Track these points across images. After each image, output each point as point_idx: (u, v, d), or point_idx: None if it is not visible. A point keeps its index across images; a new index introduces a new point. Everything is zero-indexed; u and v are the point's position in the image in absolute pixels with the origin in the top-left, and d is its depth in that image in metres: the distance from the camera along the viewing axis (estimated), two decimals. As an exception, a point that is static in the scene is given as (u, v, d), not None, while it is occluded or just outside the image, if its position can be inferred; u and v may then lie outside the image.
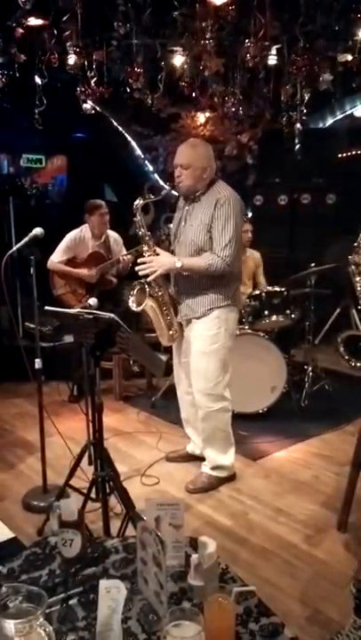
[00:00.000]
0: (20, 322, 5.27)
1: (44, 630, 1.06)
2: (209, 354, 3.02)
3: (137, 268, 3.02)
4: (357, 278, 1.93)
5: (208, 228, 2.92)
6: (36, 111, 4.17)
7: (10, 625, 1.05)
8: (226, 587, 1.34)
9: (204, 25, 3.34)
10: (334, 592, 2.27)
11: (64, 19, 3.35)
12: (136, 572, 1.45)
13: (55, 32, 3.44)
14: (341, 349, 4.14)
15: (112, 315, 1.98)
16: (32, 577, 1.46)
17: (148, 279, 2.96)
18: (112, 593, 1.14)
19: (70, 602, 1.37)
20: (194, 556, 1.41)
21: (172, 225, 3.32)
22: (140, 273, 2.97)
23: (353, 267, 1.91)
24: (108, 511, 2.29)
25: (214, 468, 3.16)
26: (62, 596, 1.38)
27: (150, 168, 6.47)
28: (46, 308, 2.23)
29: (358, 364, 4.12)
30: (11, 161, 5.89)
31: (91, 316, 2.01)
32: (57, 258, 4.44)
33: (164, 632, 1.07)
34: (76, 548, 1.51)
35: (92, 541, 1.65)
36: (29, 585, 1.39)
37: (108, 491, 2.37)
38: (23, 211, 5.83)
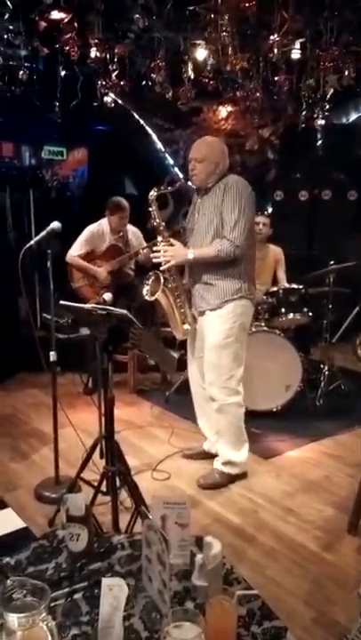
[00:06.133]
0: (37, 313, 5.33)
1: (47, 625, 1.08)
2: (223, 347, 3.03)
3: (151, 255, 3.08)
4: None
5: (219, 212, 2.96)
6: (57, 104, 4.18)
7: (13, 618, 1.07)
8: (229, 589, 1.35)
9: (226, 19, 3.31)
10: (341, 595, 2.26)
11: (85, 12, 3.34)
12: (141, 569, 1.47)
13: (77, 25, 3.45)
14: (359, 352, 4.09)
15: (125, 311, 1.99)
16: (38, 569, 1.48)
17: (162, 268, 3.02)
18: (114, 591, 1.15)
19: (75, 596, 1.38)
20: (198, 556, 1.42)
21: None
22: (154, 260, 3.03)
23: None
24: (117, 506, 2.31)
25: (226, 463, 3.16)
26: (67, 590, 1.40)
27: (171, 161, 6.46)
28: (61, 302, 2.25)
29: None
30: (32, 153, 5.91)
31: (104, 312, 2.01)
32: (75, 251, 4.47)
33: (165, 632, 1.08)
34: (83, 543, 1.52)
35: (99, 536, 1.67)
36: (36, 577, 1.41)
37: (118, 485, 2.39)
38: (44, 203, 5.87)
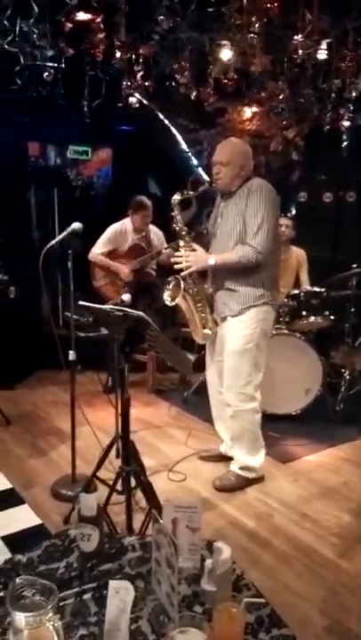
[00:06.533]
0: (60, 311, 5.38)
1: (53, 625, 1.09)
2: (243, 352, 3.01)
3: (172, 260, 3.05)
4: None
5: (243, 218, 2.92)
6: (84, 103, 4.21)
7: (21, 617, 1.08)
8: (237, 596, 1.34)
9: (251, 20, 3.28)
10: (356, 603, 2.24)
11: (110, 13, 3.36)
12: (151, 571, 1.47)
13: (102, 26, 3.47)
14: None
15: (141, 313, 2.00)
16: (50, 568, 1.49)
17: (182, 274, 2.99)
18: (121, 593, 1.16)
19: (84, 596, 1.39)
20: (208, 561, 1.41)
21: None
22: (176, 266, 3.00)
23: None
24: (131, 506, 2.32)
25: (242, 468, 3.15)
26: (77, 589, 1.41)
27: (195, 162, 6.45)
28: (80, 302, 2.26)
29: None
30: (58, 152, 5.97)
31: (121, 313, 2.03)
32: (98, 250, 4.51)
33: (169, 637, 1.08)
34: (94, 544, 1.53)
35: (111, 537, 1.68)
36: (47, 576, 1.43)
37: (133, 485, 2.40)
38: (68, 202, 5.92)
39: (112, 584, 1.19)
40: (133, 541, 1.64)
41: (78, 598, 1.38)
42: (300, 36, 3.33)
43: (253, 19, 3.28)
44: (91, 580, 1.46)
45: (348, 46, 3.63)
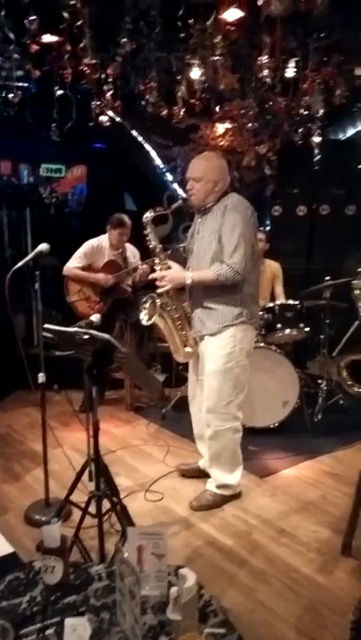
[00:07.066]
0: (34, 331, 5.32)
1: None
2: (223, 373, 2.96)
3: (150, 277, 3.02)
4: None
5: (218, 236, 2.88)
6: (53, 125, 4.22)
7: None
8: (200, 626, 1.32)
9: (215, 41, 3.33)
10: (333, 620, 2.22)
11: (75, 35, 3.39)
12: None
13: (69, 48, 3.48)
14: (344, 374, 4.02)
15: (107, 335, 1.98)
16: (12, 603, 1.46)
17: (158, 291, 2.97)
18: (78, 631, 1.14)
19: (47, 632, 1.36)
20: (173, 589, 1.39)
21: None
22: (158, 291, 2.97)
23: (357, 291, 1.85)
24: (102, 532, 2.28)
25: (220, 486, 3.12)
26: (39, 625, 1.38)
27: (170, 178, 6.49)
28: (45, 326, 2.24)
29: None
30: (31, 171, 5.97)
31: (86, 336, 2.01)
32: (73, 264, 4.49)
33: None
34: (58, 575, 1.51)
35: (77, 566, 1.65)
36: (8, 612, 1.40)
37: (109, 507, 2.37)
38: (42, 220, 5.91)
39: (68, 622, 1.16)
40: (100, 570, 1.62)
41: (41, 634, 1.35)
42: (265, 56, 3.36)
43: (217, 40, 3.32)
44: (54, 613, 1.43)
45: (311, 66, 3.69)
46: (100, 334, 1.99)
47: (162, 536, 1.51)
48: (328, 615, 2.26)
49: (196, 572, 2.41)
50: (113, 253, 4.60)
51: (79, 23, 3.18)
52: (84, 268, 4.51)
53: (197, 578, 1.44)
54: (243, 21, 3.28)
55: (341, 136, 5.83)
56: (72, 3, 3.11)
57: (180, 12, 3.13)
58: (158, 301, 2.99)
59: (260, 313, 4.24)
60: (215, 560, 2.63)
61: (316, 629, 2.18)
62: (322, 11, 2.93)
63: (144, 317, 3.03)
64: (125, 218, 4.53)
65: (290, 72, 3.88)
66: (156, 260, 3.06)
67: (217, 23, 3.26)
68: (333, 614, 2.26)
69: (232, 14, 3.17)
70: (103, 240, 4.59)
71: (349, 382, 4.09)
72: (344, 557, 2.64)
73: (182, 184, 6.30)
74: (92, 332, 1.99)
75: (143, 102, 4.25)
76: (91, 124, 4.60)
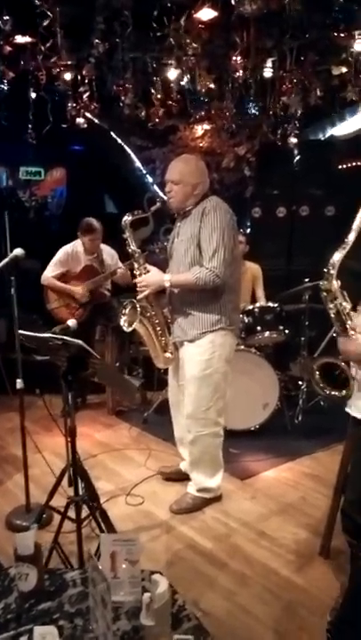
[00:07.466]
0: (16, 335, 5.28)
1: None
2: (202, 379, 2.95)
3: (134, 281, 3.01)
4: (330, 305, 1.90)
5: (198, 240, 2.85)
6: (29, 126, 4.19)
7: None
8: (171, 632, 1.32)
9: (188, 41, 3.33)
10: (312, 622, 2.23)
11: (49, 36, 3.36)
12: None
13: (42, 48, 3.46)
14: (317, 376, 4.04)
15: (79, 341, 1.97)
16: (-16, 612, 1.44)
17: (138, 297, 2.95)
18: (47, 639, 1.12)
19: (20, 639, 1.35)
20: (145, 595, 1.39)
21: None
22: (138, 297, 2.96)
23: (324, 293, 1.87)
24: (81, 536, 2.27)
25: (200, 490, 3.12)
26: (12, 633, 1.36)
27: (150, 179, 6.48)
28: (20, 332, 2.22)
29: (334, 393, 4.01)
30: (9, 174, 5.92)
31: (60, 342, 2.00)
32: (50, 272, 4.45)
33: None
34: (32, 583, 1.49)
35: (52, 573, 1.63)
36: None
37: (89, 512, 2.35)
38: (22, 223, 5.86)
39: (37, 630, 1.15)
40: (75, 576, 1.60)
41: (13, 643, 1.33)
42: (238, 56, 3.37)
43: (188, 40, 3.32)
44: (28, 620, 1.42)
45: (288, 66, 3.71)
46: (72, 340, 1.97)
47: (135, 542, 1.50)
48: (307, 616, 2.27)
49: (177, 575, 2.43)
50: (88, 258, 4.55)
51: (47, 23, 3.14)
52: (61, 275, 4.47)
53: (171, 583, 1.44)
54: (215, 21, 3.28)
55: (321, 137, 5.85)
56: (41, 2, 3.07)
57: (155, 12, 3.12)
58: (138, 307, 2.97)
59: (240, 316, 4.25)
60: (195, 564, 2.63)
61: (294, 631, 2.19)
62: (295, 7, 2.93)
63: (124, 324, 3.01)
64: (94, 222, 4.46)
65: (267, 72, 3.88)
66: (136, 265, 3.04)
67: (190, 23, 3.25)
68: (312, 615, 2.27)
69: (206, 14, 3.17)
70: (77, 245, 4.53)
71: (321, 384, 4.10)
72: (322, 559, 2.65)
73: (162, 186, 6.30)
74: (64, 337, 1.97)
75: (120, 104, 4.24)
76: (64, 125, 4.55)
